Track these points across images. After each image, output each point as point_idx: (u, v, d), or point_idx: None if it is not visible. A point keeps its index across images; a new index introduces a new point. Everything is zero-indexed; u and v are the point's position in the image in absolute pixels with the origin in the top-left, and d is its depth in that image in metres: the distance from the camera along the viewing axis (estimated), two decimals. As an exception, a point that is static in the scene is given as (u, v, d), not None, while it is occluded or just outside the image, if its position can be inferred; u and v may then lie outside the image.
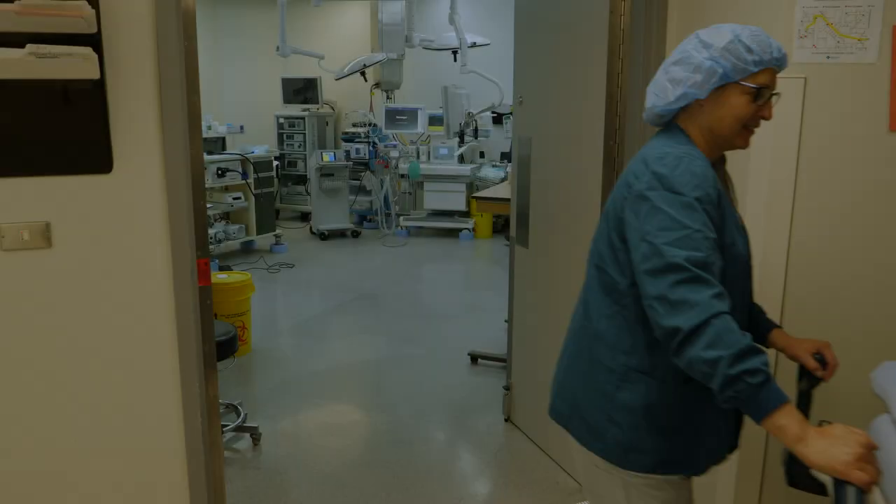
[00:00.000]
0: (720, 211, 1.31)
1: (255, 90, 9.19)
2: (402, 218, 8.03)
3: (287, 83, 8.59)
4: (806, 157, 1.90)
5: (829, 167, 1.91)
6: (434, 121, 7.97)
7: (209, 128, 7.29)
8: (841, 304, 1.98)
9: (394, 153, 7.85)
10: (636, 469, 1.40)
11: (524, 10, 3.00)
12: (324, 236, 7.68)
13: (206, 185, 4.23)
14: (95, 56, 1.54)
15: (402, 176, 8.02)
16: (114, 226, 1.73)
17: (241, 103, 9.17)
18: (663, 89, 1.40)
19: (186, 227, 1.77)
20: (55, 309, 1.72)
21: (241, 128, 7.79)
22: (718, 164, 1.49)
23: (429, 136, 8.12)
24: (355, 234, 7.84)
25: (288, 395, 3.72)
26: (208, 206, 5.17)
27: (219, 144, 7.21)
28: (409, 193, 8.49)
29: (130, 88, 1.67)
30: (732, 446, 1.50)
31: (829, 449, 1.09)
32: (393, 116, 8.03)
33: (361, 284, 5.96)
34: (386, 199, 7.94)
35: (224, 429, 3.09)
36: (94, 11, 1.53)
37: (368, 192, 8.05)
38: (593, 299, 1.44)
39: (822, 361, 1.52)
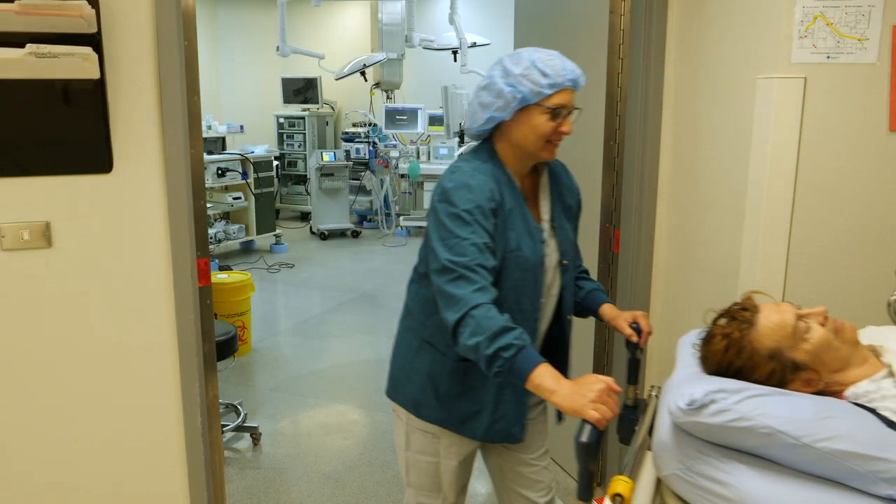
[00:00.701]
0: (500, 220, 1.51)
1: (255, 90, 9.19)
2: (402, 218, 8.03)
3: (287, 83, 8.59)
4: (805, 157, 1.90)
5: (829, 167, 1.91)
6: (434, 121, 7.97)
7: (209, 127, 7.30)
8: (841, 304, 1.98)
9: (394, 153, 7.85)
10: (426, 421, 1.68)
11: (524, 10, 3.00)
12: (324, 236, 7.68)
13: (206, 185, 4.25)
14: (95, 56, 1.54)
15: (402, 176, 8.01)
16: (114, 226, 1.73)
17: (242, 103, 9.17)
18: (474, 113, 1.59)
19: (186, 226, 1.77)
20: (55, 309, 1.72)
21: (241, 128, 7.79)
22: (542, 168, 1.69)
23: (429, 136, 8.12)
24: (355, 234, 7.84)
25: (288, 395, 3.72)
26: (208, 205, 5.18)
27: (219, 144, 7.21)
28: (409, 193, 8.49)
29: (130, 88, 1.67)
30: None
31: (572, 394, 1.26)
32: (393, 116, 8.03)
33: (361, 284, 5.96)
34: (386, 198, 7.94)
35: (224, 428, 3.09)
36: (93, 11, 1.53)
37: (368, 192, 8.06)
38: (412, 281, 1.72)
39: (638, 330, 1.68)
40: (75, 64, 1.52)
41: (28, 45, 1.48)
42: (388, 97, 8.17)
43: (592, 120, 2.50)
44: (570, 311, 1.75)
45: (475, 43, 7.14)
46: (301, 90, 8.59)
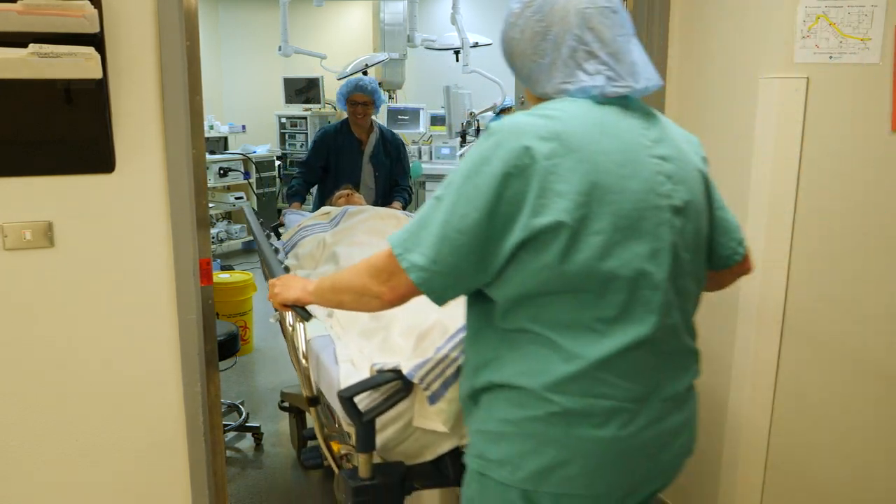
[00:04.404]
0: (333, 150, 3.70)
1: (256, 90, 9.19)
2: (403, 217, 8.00)
3: (289, 83, 8.58)
4: (808, 157, 1.90)
5: (831, 167, 1.91)
6: (436, 121, 7.95)
7: (211, 127, 7.30)
8: (842, 304, 1.98)
9: (395, 153, 7.83)
10: None
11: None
12: (325, 236, 7.65)
13: (209, 185, 4.30)
14: (98, 56, 1.54)
15: (404, 175, 8.00)
16: (116, 225, 1.73)
17: (243, 103, 9.16)
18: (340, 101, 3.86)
19: (188, 226, 1.77)
20: (57, 308, 1.72)
21: (243, 127, 7.79)
22: (372, 131, 3.83)
23: (431, 135, 8.10)
24: (357, 234, 7.82)
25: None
26: (210, 205, 5.17)
27: (221, 144, 7.21)
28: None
29: (133, 88, 1.68)
30: None
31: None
32: (395, 116, 8.02)
33: (363, 284, 5.93)
34: (387, 198, 7.94)
35: (226, 428, 3.09)
36: (96, 11, 1.53)
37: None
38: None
39: None
40: (78, 64, 1.52)
41: (30, 45, 1.48)
42: (389, 97, 8.16)
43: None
44: (381, 200, 3.77)
45: (477, 43, 7.12)
46: (303, 90, 8.57)
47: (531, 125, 1.10)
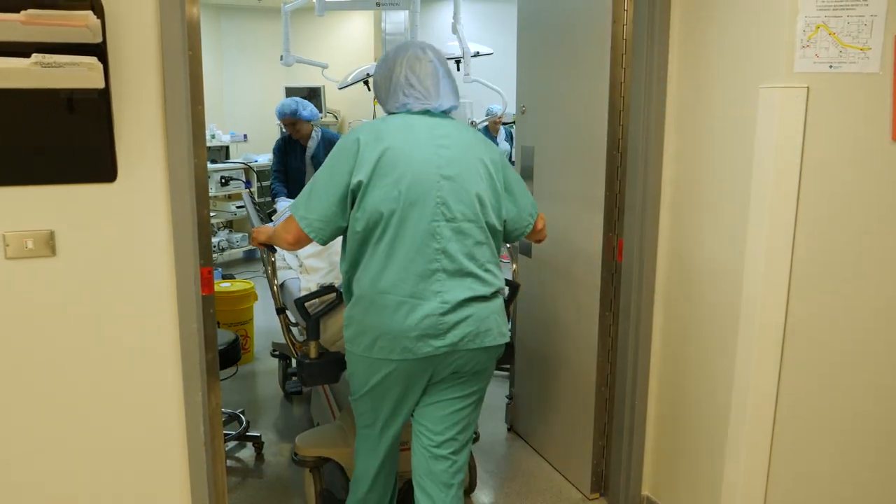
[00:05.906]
0: (281, 156, 4.51)
1: (258, 99, 9.21)
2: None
3: (290, 92, 8.57)
4: (808, 166, 1.90)
5: (832, 177, 1.91)
6: (437, 129, 7.96)
7: (213, 136, 7.31)
8: (843, 313, 1.98)
9: (397, 162, 7.83)
10: None
11: (527, 20, 3.01)
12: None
13: (210, 194, 4.44)
14: (100, 66, 1.55)
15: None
16: (118, 234, 1.73)
17: (245, 112, 9.19)
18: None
19: (190, 235, 1.78)
20: (58, 317, 1.72)
21: (245, 136, 7.80)
22: (310, 137, 4.52)
23: (432, 144, 8.11)
24: (358, 243, 7.84)
25: (290, 404, 3.72)
26: (212, 214, 5.18)
27: (222, 153, 7.23)
28: (412, 202, 8.47)
29: (135, 98, 1.68)
30: None
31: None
32: (396, 125, 8.02)
33: (364, 293, 5.93)
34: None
35: (226, 438, 3.08)
36: (99, 21, 1.54)
37: (371, 201, 8.03)
38: None
39: None
40: (80, 73, 1.53)
41: (34, 55, 1.49)
42: (390, 106, 8.17)
43: (595, 130, 2.50)
44: None
45: (478, 52, 7.14)
46: (305, 99, 8.60)
47: (365, 126, 1.86)
